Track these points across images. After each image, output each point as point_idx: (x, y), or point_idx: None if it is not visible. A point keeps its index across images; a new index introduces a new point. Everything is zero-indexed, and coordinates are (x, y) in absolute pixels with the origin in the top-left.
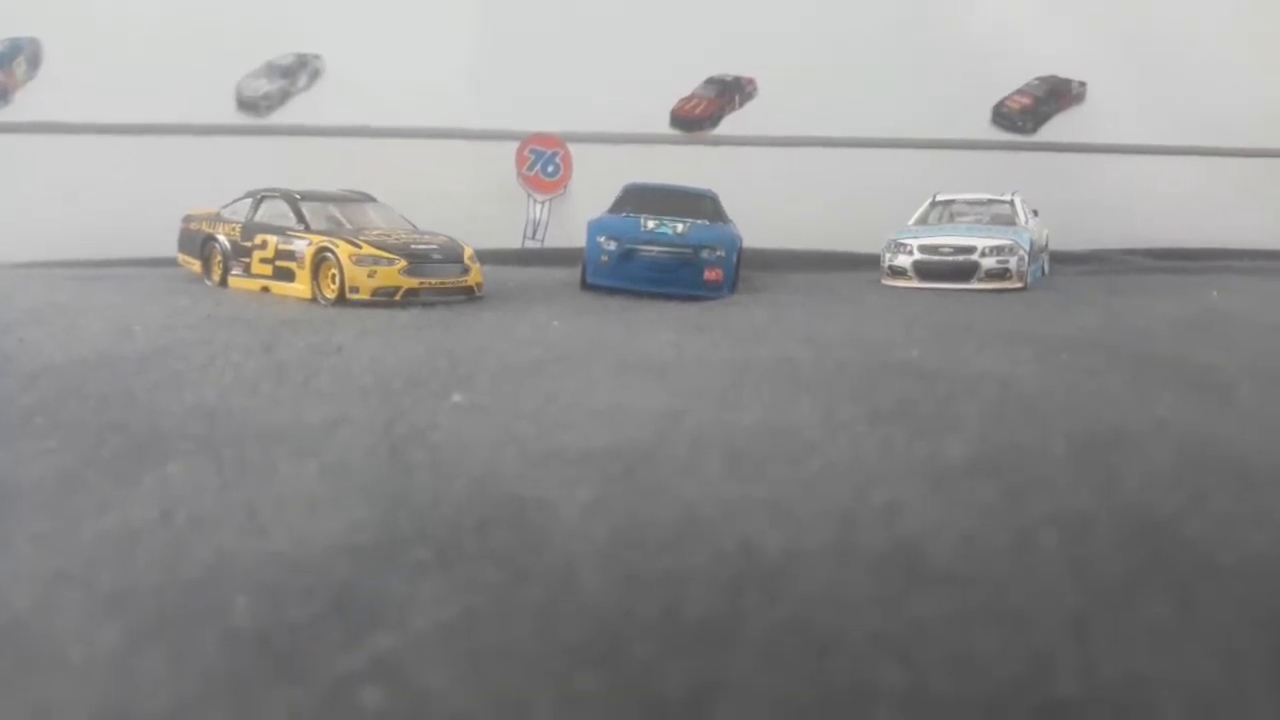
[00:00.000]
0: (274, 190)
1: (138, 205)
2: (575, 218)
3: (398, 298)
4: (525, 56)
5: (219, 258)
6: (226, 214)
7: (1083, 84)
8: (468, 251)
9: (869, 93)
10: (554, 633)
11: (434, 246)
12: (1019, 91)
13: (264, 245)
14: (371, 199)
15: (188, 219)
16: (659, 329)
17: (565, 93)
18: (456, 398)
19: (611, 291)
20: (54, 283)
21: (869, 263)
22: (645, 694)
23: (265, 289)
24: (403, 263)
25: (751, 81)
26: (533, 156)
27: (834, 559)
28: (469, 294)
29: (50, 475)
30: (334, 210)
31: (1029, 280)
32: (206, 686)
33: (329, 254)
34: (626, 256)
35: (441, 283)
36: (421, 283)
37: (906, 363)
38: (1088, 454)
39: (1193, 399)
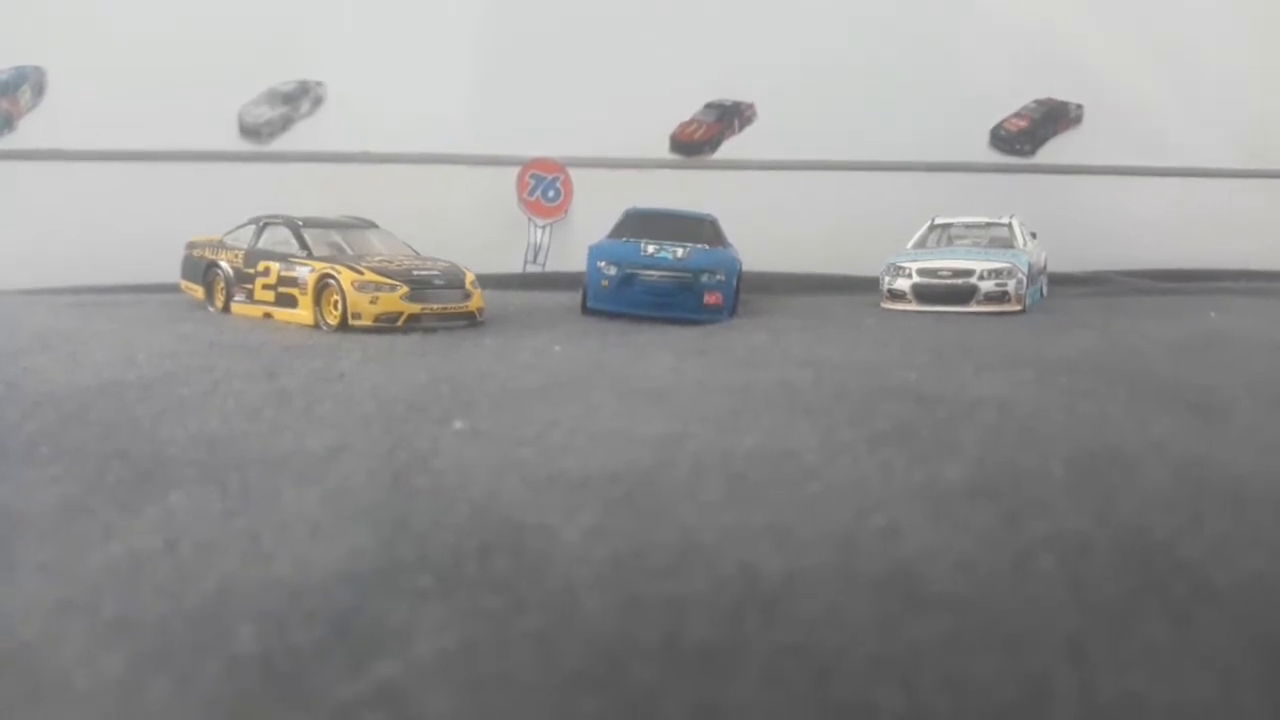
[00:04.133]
0: (277, 217)
1: (141, 231)
2: (576, 242)
3: (400, 324)
4: (526, 82)
5: (222, 284)
6: (229, 241)
7: (1080, 107)
8: (469, 277)
9: (867, 117)
10: (555, 658)
11: (436, 272)
12: (1017, 114)
13: (267, 272)
14: (373, 225)
15: (191, 245)
16: (659, 353)
17: (566, 118)
18: (458, 424)
19: (612, 316)
20: (58, 309)
21: (868, 286)
22: (646, 718)
23: (268, 315)
24: (405, 289)
25: (750, 106)
26: (533, 181)
27: (833, 582)
28: (471, 319)
29: (55, 503)
30: (336, 237)
31: (1027, 303)
32: (210, 713)
33: (331, 280)
34: (627, 281)
35: (443, 308)
36: (423, 308)
37: (905, 386)
38: (1086, 476)
39: (1190, 420)
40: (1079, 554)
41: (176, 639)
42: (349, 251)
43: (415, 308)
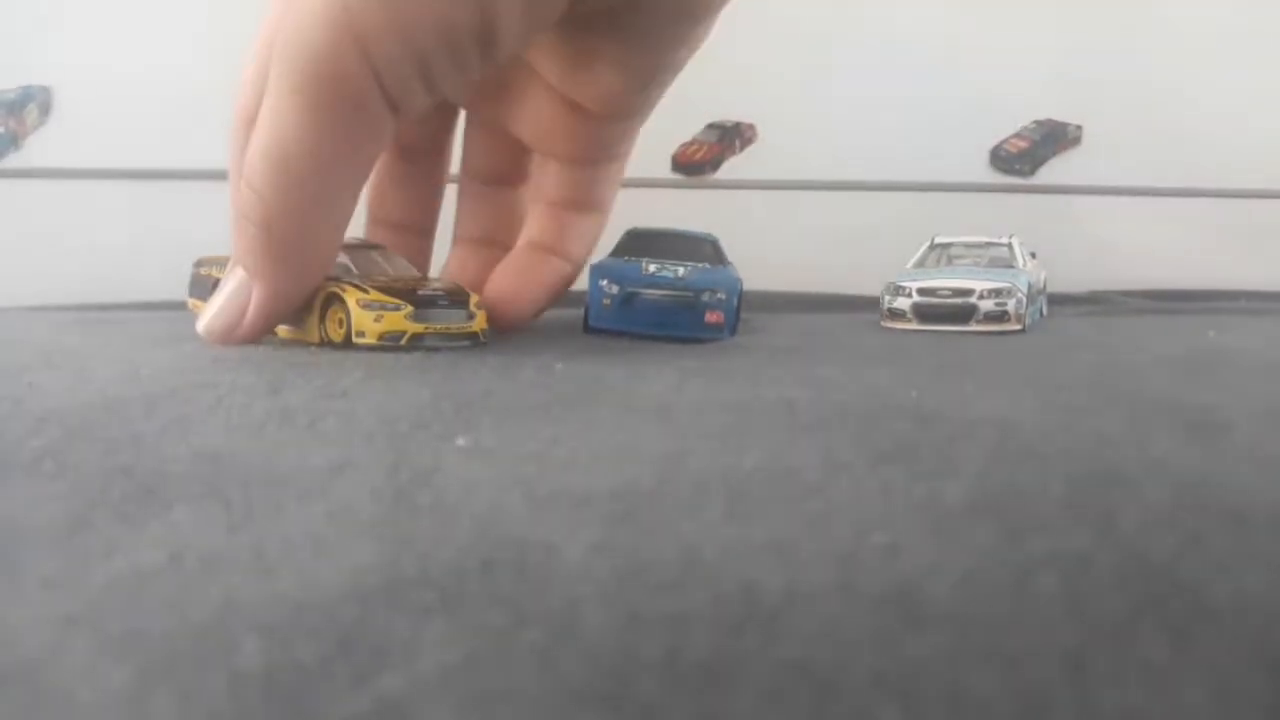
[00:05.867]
0: None
1: (147, 249)
2: None
3: (403, 342)
4: None
5: None
6: None
7: (1079, 127)
8: (473, 298)
9: (867, 137)
10: (557, 673)
11: (440, 292)
12: (1016, 135)
13: None
14: (378, 245)
15: (199, 263)
16: (660, 371)
17: None
18: (461, 441)
19: (614, 334)
20: (63, 326)
21: (868, 305)
22: None
23: (272, 332)
24: (409, 308)
25: (751, 127)
26: None
27: (834, 599)
28: (474, 339)
29: (59, 519)
30: (342, 256)
31: (1027, 322)
32: None
33: (336, 298)
34: (628, 300)
35: (447, 328)
36: (427, 328)
37: (906, 404)
38: (1086, 494)
39: (1190, 439)
40: (1079, 571)
41: (180, 653)
42: (354, 270)
43: (419, 327)
